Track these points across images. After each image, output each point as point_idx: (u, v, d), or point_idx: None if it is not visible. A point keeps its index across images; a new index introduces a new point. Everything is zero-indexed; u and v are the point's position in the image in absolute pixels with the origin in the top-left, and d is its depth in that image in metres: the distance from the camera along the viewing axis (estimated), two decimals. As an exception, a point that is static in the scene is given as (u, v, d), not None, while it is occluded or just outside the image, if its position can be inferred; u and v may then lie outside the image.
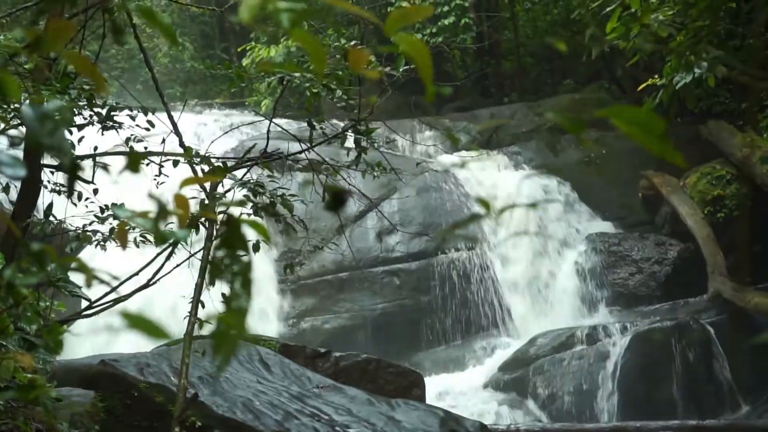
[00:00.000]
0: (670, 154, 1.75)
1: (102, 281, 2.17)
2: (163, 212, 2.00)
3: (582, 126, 1.83)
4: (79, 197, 8.14)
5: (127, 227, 2.24)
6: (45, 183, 8.17)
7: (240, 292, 1.93)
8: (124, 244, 2.22)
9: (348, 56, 2.04)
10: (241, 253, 2.00)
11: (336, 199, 2.04)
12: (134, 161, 2.04)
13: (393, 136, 14.98)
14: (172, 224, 2.18)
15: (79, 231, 7.63)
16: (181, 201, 2.06)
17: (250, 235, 2.16)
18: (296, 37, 2.02)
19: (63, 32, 2.05)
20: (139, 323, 1.74)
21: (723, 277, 15.97)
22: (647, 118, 1.72)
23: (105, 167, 2.22)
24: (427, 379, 13.71)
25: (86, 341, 14.59)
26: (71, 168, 2.03)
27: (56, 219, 7.81)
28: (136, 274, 7.96)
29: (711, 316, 15.60)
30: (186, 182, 2.15)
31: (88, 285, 2.18)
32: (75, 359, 10.24)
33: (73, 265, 2.34)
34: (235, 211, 2.23)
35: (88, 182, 7.99)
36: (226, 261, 1.96)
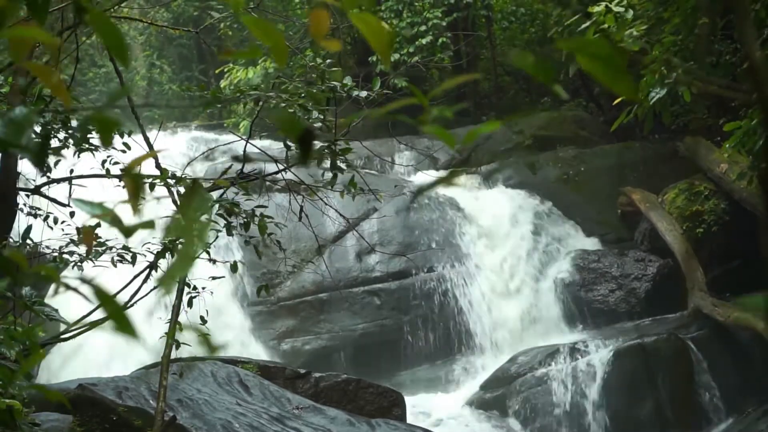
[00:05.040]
0: (631, 90, 1.72)
1: (69, 287, 2.14)
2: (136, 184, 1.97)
3: (551, 71, 1.81)
4: (55, 221, 8.11)
5: (95, 232, 2.21)
6: (21, 206, 8.13)
7: (193, 244, 1.89)
8: (90, 247, 2.19)
9: (309, 21, 2.00)
10: (203, 215, 1.96)
11: (304, 140, 1.98)
12: (107, 130, 1.99)
13: (370, 155, 15.00)
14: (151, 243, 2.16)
15: (56, 254, 7.58)
16: (131, 184, 2.03)
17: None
18: (249, 24, 1.99)
19: (27, 31, 2.02)
20: (116, 315, 1.70)
21: (702, 292, 16.00)
22: (610, 52, 1.69)
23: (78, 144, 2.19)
24: (408, 399, 13.68)
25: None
26: (43, 139, 2.00)
27: (33, 242, 7.77)
28: (114, 296, 7.90)
29: (691, 332, 15.61)
30: (136, 162, 2.10)
31: (56, 292, 2.16)
32: (53, 383, 10.19)
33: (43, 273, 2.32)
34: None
35: (64, 205, 7.95)
36: (185, 224, 1.92)
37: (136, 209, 2.07)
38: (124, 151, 7.74)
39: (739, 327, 15.12)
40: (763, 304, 1.89)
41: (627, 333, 16.29)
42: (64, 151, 7.60)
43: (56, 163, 7.57)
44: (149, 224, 2.10)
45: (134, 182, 2.05)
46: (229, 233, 7.05)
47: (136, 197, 2.06)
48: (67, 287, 2.19)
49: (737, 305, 15.07)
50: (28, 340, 4.95)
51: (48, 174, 7.84)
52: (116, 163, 7.93)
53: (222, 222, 7.21)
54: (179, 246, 1.93)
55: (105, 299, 1.72)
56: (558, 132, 22.36)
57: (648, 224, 18.30)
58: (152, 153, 2.21)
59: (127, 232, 2.08)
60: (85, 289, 2.24)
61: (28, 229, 7.20)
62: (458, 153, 21.97)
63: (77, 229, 7.60)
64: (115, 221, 2.06)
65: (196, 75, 31.15)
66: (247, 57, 2.28)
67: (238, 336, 17.16)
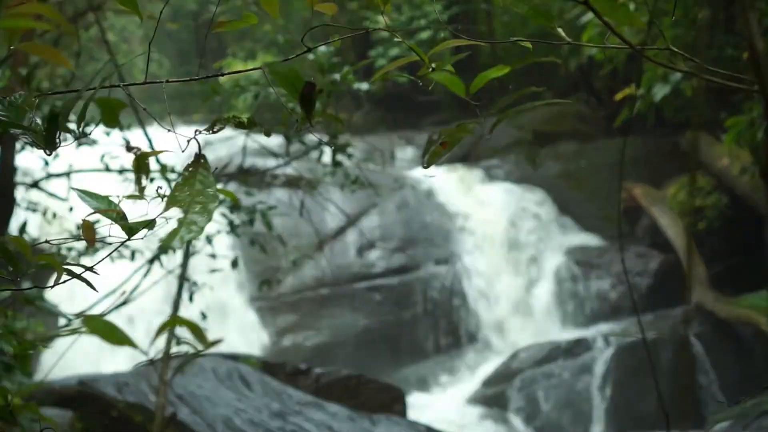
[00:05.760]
0: (629, 17, 1.70)
1: (71, 273, 2.10)
2: (143, 160, 1.94)
3: (548, 14, 1.79)
4: (54, 216, 8.07)
5: (94, 223, 2.17)
6: (18, 201, 8.08)
7: (197, 217, 1.86)
8: (91, 243, 2.15)
9: None
10: (208, 189, 1.94)
11: (306, 96, 1.98)
12: (111, 111, 1.96)
13: (371, 150, 14.99)
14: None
15: (54, 248, 7.54)
16: (140, 162, 2.00)
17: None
18: None
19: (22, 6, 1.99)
20: (100, 327, 1.66)
21: (704, 287, 15.95)
22: None
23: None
24: (409, 395, 13.64)
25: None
26: (51, 118, 1.96)
27: (30, 237, 7.72)
28: (114, 291, 7.89)
29: (693, 327, 15.57)
30: (144, 156, 2.08)
31: (57, 281, 2.11)
32: (52, 379, 10.13)
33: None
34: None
35: (63, 200, 7.90)
36: (187, 194, 1.88)
37: (141, 190, 2.05)
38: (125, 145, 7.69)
39: (740, 322, 15.09)
40: (764, 303, 1.85)
41: (628, 328, 16.26)
42: (62, 146, 7.54)
43: (55, 157, 7.53)
44: (150, 223, 2.07)
45: (141, 161, 2.03)
46: (234, 232, 7.01)
47: (145, 174, 2.04)
48: (68, 273, 2.16)
49: (739, 303, 15.05)
50: (24, 337, 4.90)
51: (46, 168, 7.80)
52: (115, 157, 7.89)
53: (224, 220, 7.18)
54: (185, 213, 1.89)
55: (84, 319, 1.67)
56: (558, 127, 22.29)
57: (649, 219, 18.25)
58: (154, 152, 2.16)
59: (130, 230, 2.06)
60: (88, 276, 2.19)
61: (25, 223, 7.14)
62: (458, 148, 21.90)
63: (83, 222, 7.54)
64: (118, 217, 2.03)
65: (195, 69, 31.07)
66: (242, 25, 2.27)
67: (239, 331, 17.12)
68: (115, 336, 1.66)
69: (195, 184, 1.92)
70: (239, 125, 2.09)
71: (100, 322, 1.66)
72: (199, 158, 1.97)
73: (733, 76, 2.94)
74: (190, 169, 1.98)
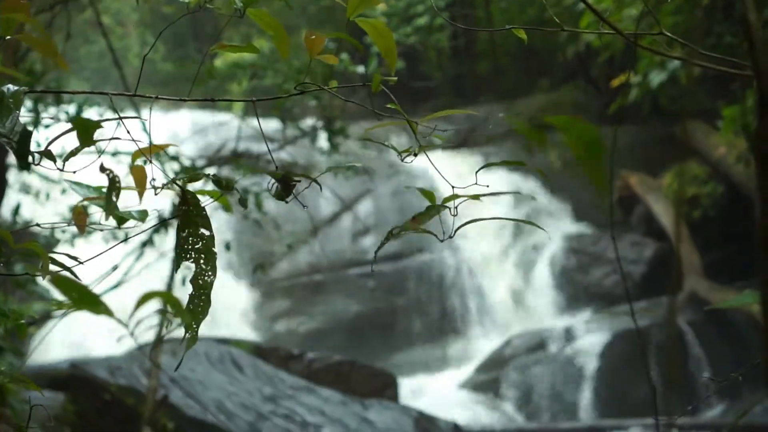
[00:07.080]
0: (600, 182, 1.74)
1: (56, 263, 2.09)
2: (114, 186, 1.94)
3: (544, 139, 1.82)
4: (47, 197, 8.05)
5: (85, 210, 2.18)
6: (10, 183, 8.06)
7: (204, 269, 1.88)
8: (82, 229, 2.15)
9: (305, 43, 2.03)
10: (204, 230, 1.95)
11: (285, 185, 2.01)
12: (85, 132, 1.96)
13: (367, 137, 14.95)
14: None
15: (48, 228, 7.52)
16: (138, 173, 2.00)
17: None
18: (254, 16, 1.98)
19: (17, 10, 1.98)
20: (71, 290, 1.64)
21: (698, 276, 15.95)
22: (593, 138, 1.71)
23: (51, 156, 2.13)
24: (402, 381, 13.65)
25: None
26: (22, 138, 1.94)
27: (23, 220, 7.70)
28: (109, 273, 7.87)
29: (687, 315, 15.57)
30: (138, 153, 2.09)
31: (45, 271, 2.09)
32: (45, 362, 10.14)
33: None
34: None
35: (56, 182, 7.88)
36: (189, 240, 1.90)
37: (141, 197, 2.07)
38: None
39: (733, 309, 15.08)
40: (755, 299, 1.86)
41: (622, 316, 16.24)
42: (54, 127, 7.53)
43: (51, 142, 7.47)
44: (143, 214, 2.07)
45: (141, 171, 2.04)
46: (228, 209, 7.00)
47: (143, 186, 2.05)
48: (54, 262, 2.15)
49: (730, 302, 15.03)
50: (17, 319, 4.87)
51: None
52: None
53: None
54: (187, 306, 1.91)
55: (70, 287, 1.65)
56: (556, 115, 22.25)
57: (644, 208, 18.24)
58: (154, 146, 2.16)
59: (120, 220, 2.07)
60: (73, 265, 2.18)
61: (18, 206, 7.12)
62: (455, 135, 21.89)
63: (75, 208, 7.51)
64: (109, 207, 2.03)
65: (191, 54, 30.96)
66: (243, 51, 2.32)
67: (232, 316, 17.11)
68: (101, 309, 1.64)
69: (190, 225, 1.94)
70: (217, 183, 2.09)
71: (87, 294, 1.64)
72: (187, 201, 1.97)
73: (730, 61, 2.92)
74: (182, 208, 1.99)
